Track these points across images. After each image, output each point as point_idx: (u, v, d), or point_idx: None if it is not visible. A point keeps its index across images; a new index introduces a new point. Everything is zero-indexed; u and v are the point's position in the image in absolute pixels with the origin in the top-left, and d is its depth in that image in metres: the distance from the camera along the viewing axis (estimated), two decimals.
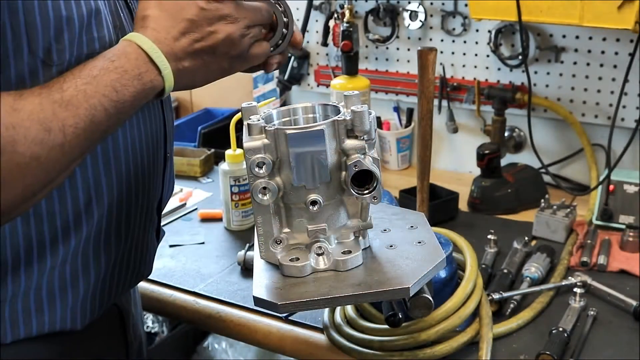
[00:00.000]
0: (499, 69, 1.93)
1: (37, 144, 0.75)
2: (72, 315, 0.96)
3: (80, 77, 0.81)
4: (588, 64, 1.81)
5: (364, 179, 0.88)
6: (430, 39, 2.00)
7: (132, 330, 1.16)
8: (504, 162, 1.84)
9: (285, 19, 0.99)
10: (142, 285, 1.41)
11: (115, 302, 1.07)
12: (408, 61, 2.06)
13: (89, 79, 0.80)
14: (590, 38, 1.78)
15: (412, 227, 1.02)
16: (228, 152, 1.66)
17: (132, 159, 0.98)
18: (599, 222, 1.63)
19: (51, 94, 0.78)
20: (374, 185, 0.88)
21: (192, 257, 1.56)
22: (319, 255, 0.92)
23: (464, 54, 1.96)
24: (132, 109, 0.85)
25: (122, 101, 0.83)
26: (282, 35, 1.00)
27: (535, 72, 1.88)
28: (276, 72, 2.19)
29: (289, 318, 1.31)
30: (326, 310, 1.28)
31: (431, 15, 1.97)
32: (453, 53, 1.98)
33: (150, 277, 1.20)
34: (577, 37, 1.80)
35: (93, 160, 0.93)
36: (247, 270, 1.48)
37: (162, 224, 1.18)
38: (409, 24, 1.98)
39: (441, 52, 1.97)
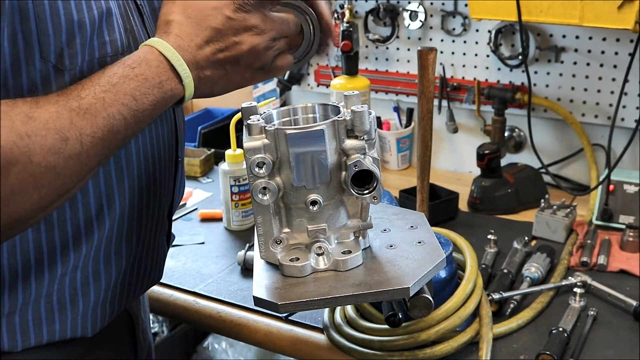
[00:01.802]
0: (499, 69, 1.93)
1: (53, 154, 0.73)
2: (83, 323, 0.95)
3: (99, 85, 0.79)
4: (588, 64, 1.81)
5: (364, 179, 0.88)
6: (430, 39, 2.00)
7: (142, 335, 1.15)
8: (504, 162, 1.84)
9: (311, 31, 0.97)
10: None
11: (126, 307, 1.06)
12: (408, 61, 2.06)
13: (108, 87, 0.78)
14: (590, 38, 1.78)
15: (412, 227, 1.02)
16: (228, 152, 1.66)
17: (144, 164, 0.97)
18: (599, 222, 1.63)
19: (69, 101, 0.76)
20: (374, 185, 0.88)
21: (192, 257, 1.56)
22: (319, 255, 0.91)
23: (464, 54, 1.96)
24: (151, 117, 0.84)
25: (142, 110, 0.81)
26: (308, 47, 0.98)
27: (535, 72, 1.88)
28: None
29: (289, 318, 1.31)
30: (326, 310, 1.28)
31: (431, 15, 1.97)
32: (453, 53, 1.98)
33: None
34: (577, 37, 1.80)
35: (105, 167, 0.91)
36: (247, 270, 1.48)
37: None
38: (409, 24, 1.98)
39: (441, 52, 1.97)
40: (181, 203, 1.81)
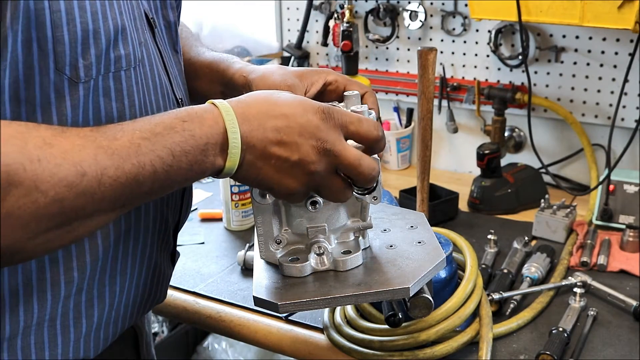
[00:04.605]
0: (499, 69, 1.93)
1: (64, 186, 0.68)
2: (86, 345, 0.92)
3: (140, 131, 0.74)
4: (588, 64, 1.81)
5: None
6: (430, 39, 2.00)
7: (146, 349, 1.13)
8: (504, 162, 1.85)
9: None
10: None
11: (130, 325, 1.01)
12: (408, 61, 2.06)
13: (149, 135, 0.74)
14: (590, 38, 1.78)
15: (412, 227, 1.02)
16: None
17: None
18: (599, 222, 1.63)
19: (98, 138, 0.72)
20: (374, 185, 0.88)
21: (192, 257, 1.56)
22: (319, 255, 0.91)
23: (464, 54, 1.96)
24: (182, 180, 0.78)
25: (176, 167, 0.76)
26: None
27: (535, 72, 1.88)
28: None
29: (289, 318, 1.31)
30: (326, 310, 1.28)
31: (431, 15, 1.97)
32: (453, 53, 1.98)
33: None
34: (577, 37, 1.80)
35: None
36: (247, 270, 1.48)
37: None
38: (409, 24, 1.98)
39: (441, 52, 1.98)
40: None
